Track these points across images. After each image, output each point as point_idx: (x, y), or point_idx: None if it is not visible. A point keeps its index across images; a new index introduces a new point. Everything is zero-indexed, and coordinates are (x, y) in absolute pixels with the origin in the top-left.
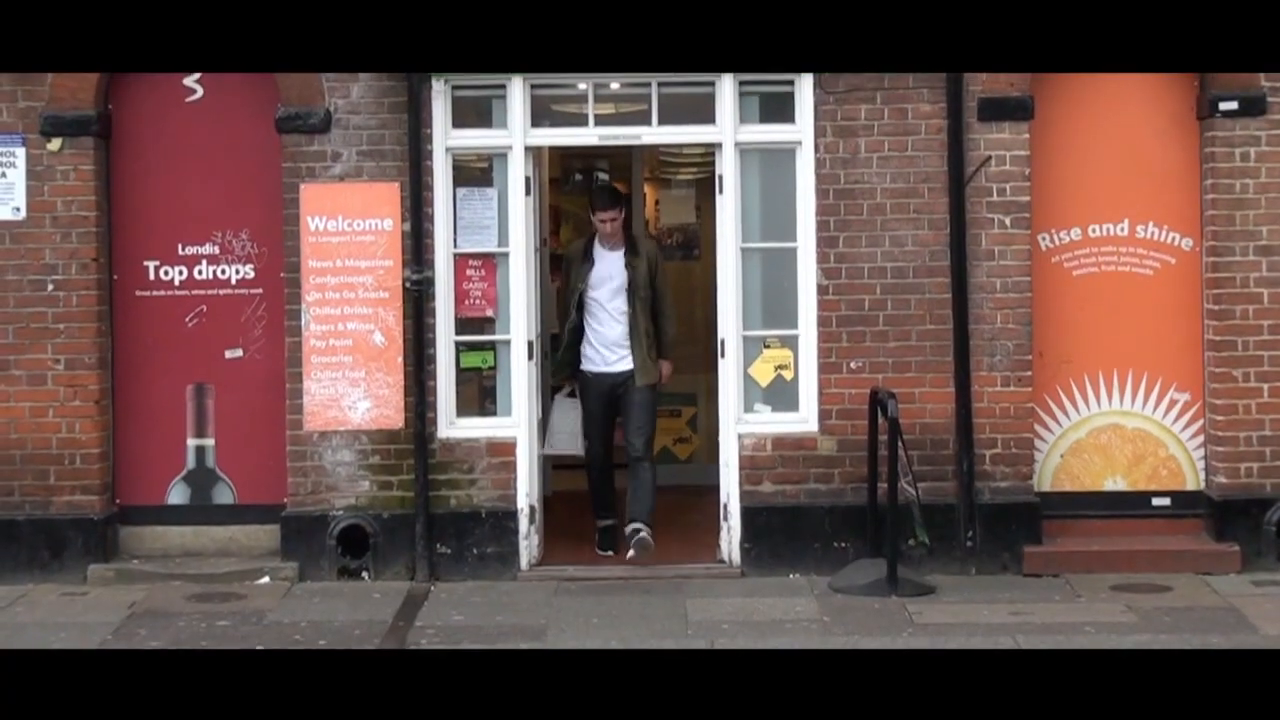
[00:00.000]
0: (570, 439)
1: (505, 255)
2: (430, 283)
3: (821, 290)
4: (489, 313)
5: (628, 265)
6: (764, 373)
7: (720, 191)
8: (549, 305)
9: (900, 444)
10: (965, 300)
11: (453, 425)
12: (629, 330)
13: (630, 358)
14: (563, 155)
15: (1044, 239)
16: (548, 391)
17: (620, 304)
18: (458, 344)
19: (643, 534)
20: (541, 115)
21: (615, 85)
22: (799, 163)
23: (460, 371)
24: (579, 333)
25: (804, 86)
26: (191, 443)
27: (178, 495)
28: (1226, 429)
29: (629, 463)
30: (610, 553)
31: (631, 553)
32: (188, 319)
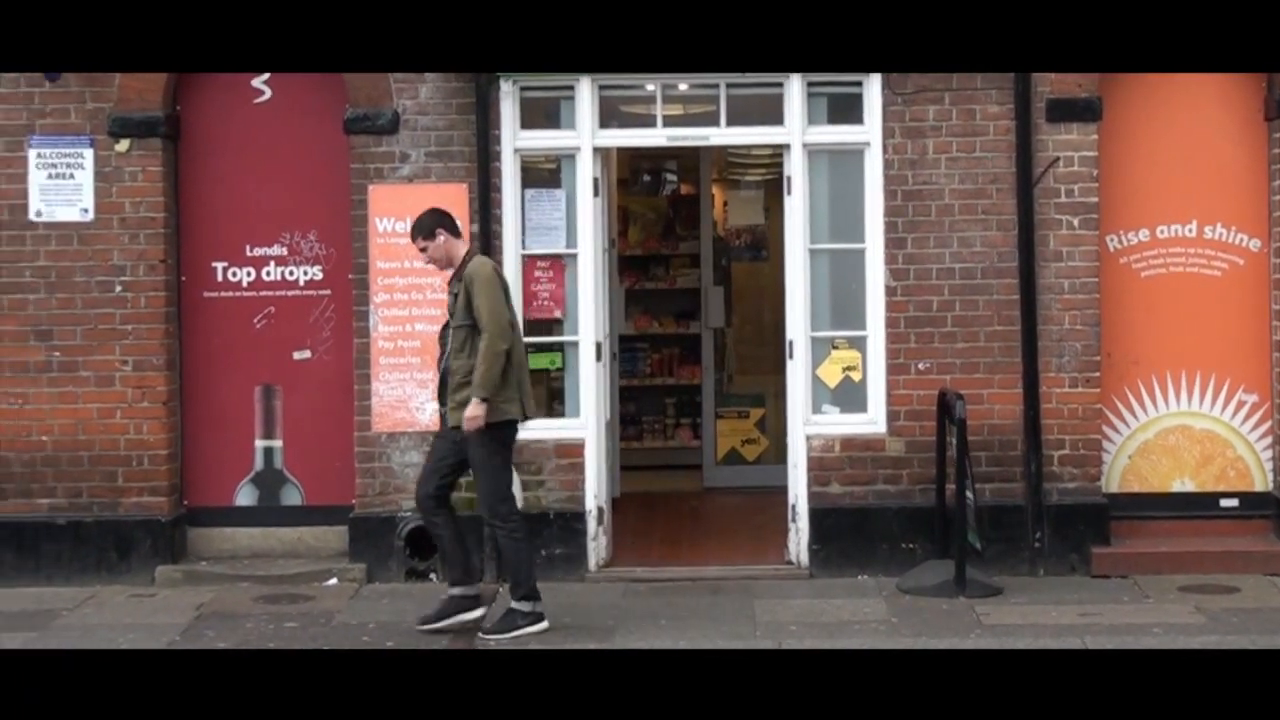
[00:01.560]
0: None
1: (574, 256)
2: None
3: (890, 291)
4: (557, 314)
5: (450, 292)
6: (832, 374)
7: (788, 193)
8: (617, 306)
9: (966, 446)
10: (1033, 301)
11: (521, 426)
12: (447, 366)
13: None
14: (631, 156)
15: (1112, 240)
16: (615, 394)
17: (448, 339)
18: (526, 345)
19: (516, 613)
20: (610, 116)
21: (683, 86)
22: (867, 164)
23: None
24: None
25: (872, 87)
26: (259, 444)
27: (245, 496)
28: None
29: None
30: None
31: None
32: (255, 320)
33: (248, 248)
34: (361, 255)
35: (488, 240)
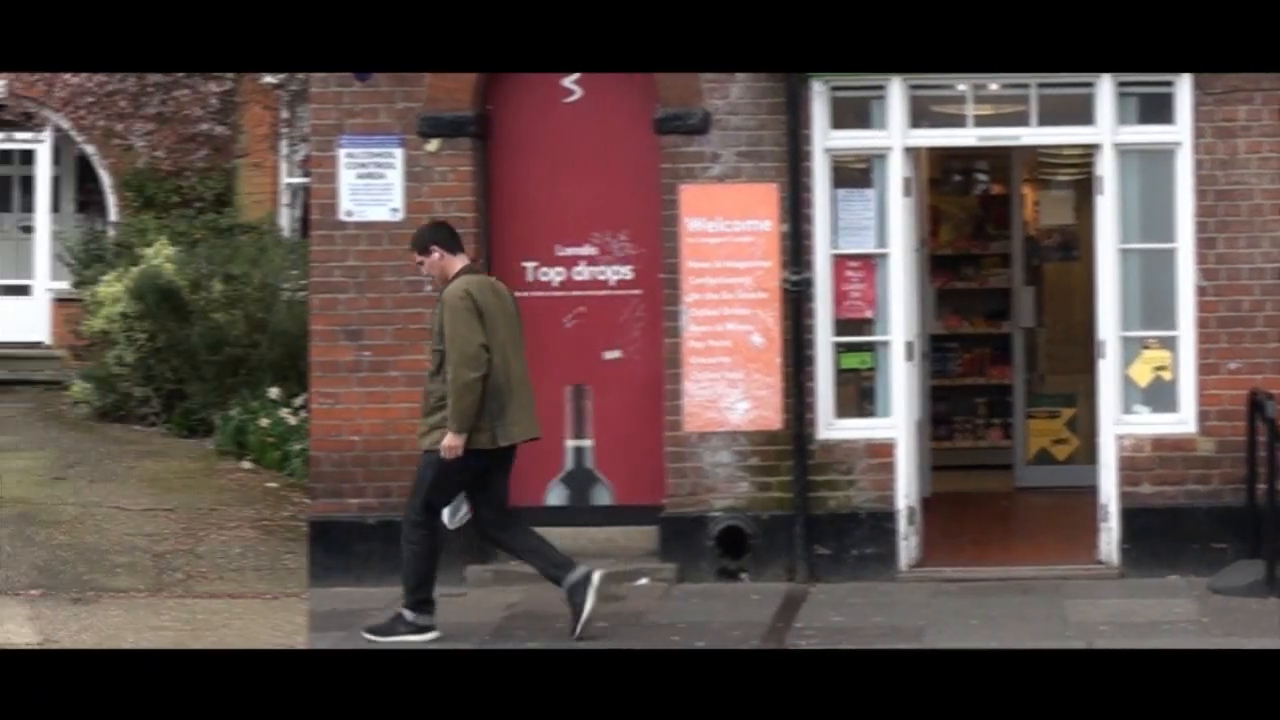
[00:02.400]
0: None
1: (884, 256)
2: (809, 284)
3: (1200, 291)
4: (868, 314)
5: (435, 311)
6: (1142, 374)
7: (1099, 193)
8: (928, 306)
9: (1278, 445)
10: None
11: (831, 426)
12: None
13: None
14: (941, 155)
15: None
16: (926, 394)
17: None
18: (836, 345)
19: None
20: (920, 116)
21: (994, 86)
22: (1178, 164)
23: (839, 372)
24: None
25: (1183, 87)
26: (570, 444)
27: (556, 496)
28: None
29: None
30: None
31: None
32: (566, 320)
33: (558, 247)
34: (672, 255)
35: (798, 240)
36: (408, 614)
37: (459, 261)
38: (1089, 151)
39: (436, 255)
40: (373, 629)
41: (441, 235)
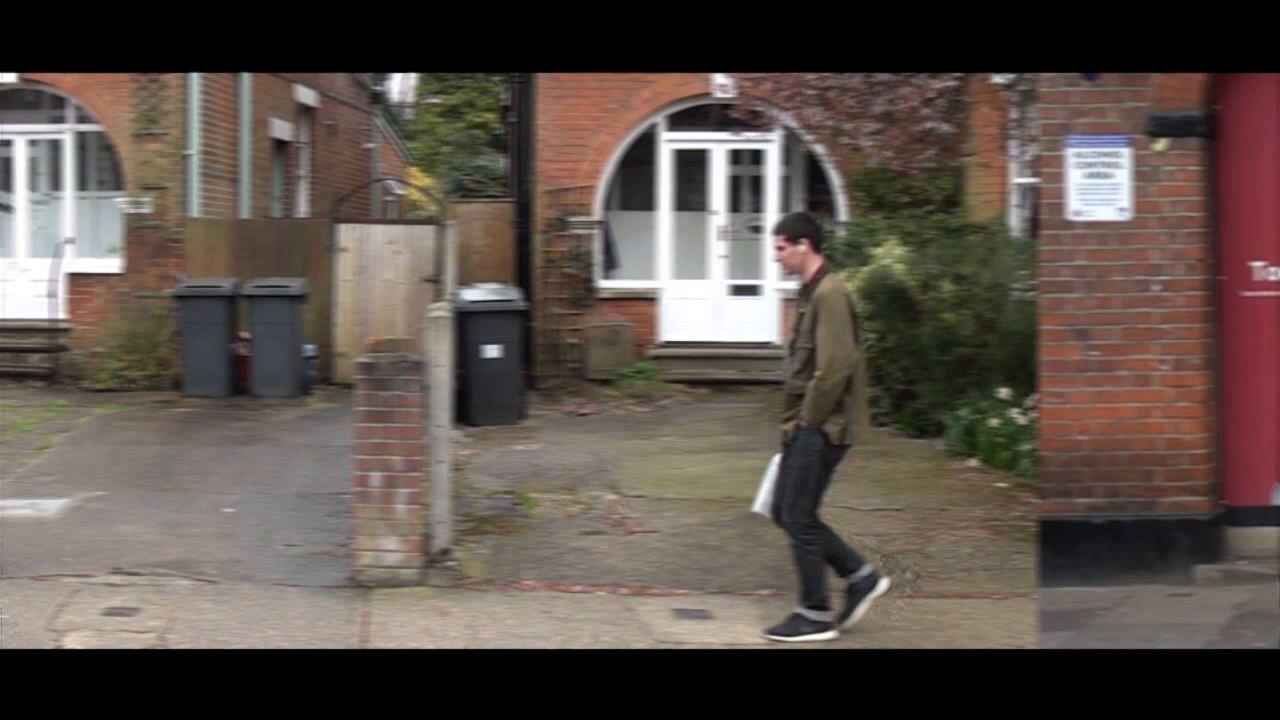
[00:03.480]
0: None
1: None
2: None
3: None
4: None
5: (798, 309)
6: None
7: None
8: None
9: None
10: None
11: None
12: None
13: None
14: None
15: None
16: None
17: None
18: None
19: (795, 620)
20: None
21: None
22: None
23: None
24: None
25: None
26: None
27: None
28: None
29: None
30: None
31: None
32: None
33: None
34: None
35: None
36: (810, 613)
37: (818, 261)
38: None
39: (804, 248)
40: (772, 629)
41: (815, 230)
